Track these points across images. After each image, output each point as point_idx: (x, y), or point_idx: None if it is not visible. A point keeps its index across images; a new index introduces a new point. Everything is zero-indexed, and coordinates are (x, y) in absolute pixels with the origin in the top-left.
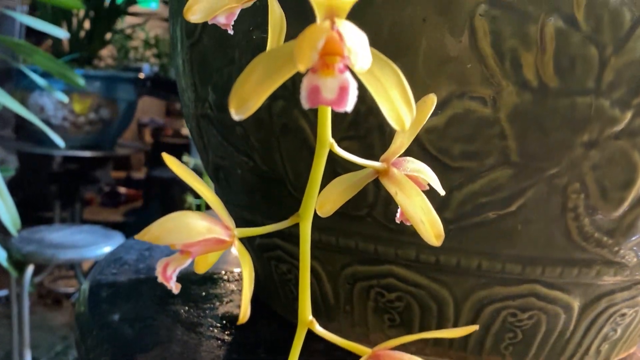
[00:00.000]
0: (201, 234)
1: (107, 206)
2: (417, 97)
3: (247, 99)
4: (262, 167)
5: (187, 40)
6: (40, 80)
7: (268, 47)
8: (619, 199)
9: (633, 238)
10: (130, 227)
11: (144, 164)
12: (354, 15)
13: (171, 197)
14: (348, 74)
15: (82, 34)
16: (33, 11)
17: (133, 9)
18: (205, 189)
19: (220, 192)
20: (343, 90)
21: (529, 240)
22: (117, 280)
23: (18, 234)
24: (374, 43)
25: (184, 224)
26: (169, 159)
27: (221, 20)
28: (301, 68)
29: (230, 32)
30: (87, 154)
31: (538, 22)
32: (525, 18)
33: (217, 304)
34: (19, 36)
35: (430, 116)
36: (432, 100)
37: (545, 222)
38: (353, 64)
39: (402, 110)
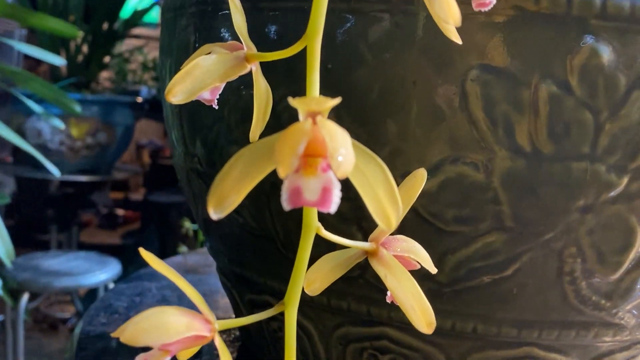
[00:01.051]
0: (179, 333)
1: (104, 228)
2: (408, 159)
3: (226, 196)
4: (252, 224)
5: None
6: (36, 107)
7: (253, 122)
8: (616, 263)
9: (631, 300)
10: (128, 251)
11: (142, 184)
12: (344, 75)
13: (169, 220)
14: (331, 173)
15: (80, 57)
16: (32, 34)
17: (131, 32)
18: (184, 285)
19: (210, 244)
20: (326, 192)
21: (525, 304)
22: (106, 332)
23: (13, 261)
24: (363, 103)
25: (161, 323)
26: (147, 256)
27: (205, 96)
28: (282, 174)
29: (215, 107)
30: (84, 178)
31: (531, 87)
32: (517, 83)
33: None
34: (17, 58)
35: None
36: (422, 175)
37: (541, 285)
38: (335, 171)
39: (389, 208)
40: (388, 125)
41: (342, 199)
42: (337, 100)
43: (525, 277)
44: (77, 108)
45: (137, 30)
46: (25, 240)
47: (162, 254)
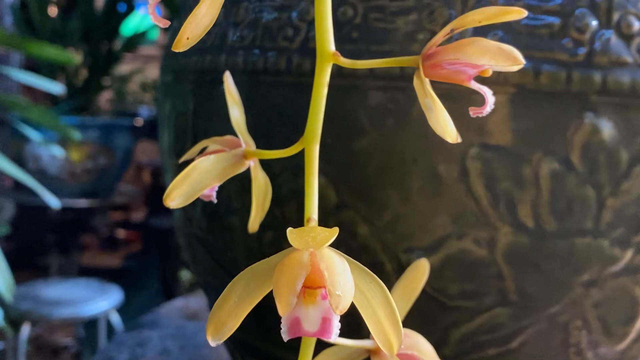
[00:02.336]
0: None
1: (105, 250)
2: (411, 235)
3: (224, 322)
4: None
5: (175, 160)
6: (35, 135)
7: (252, 213)
8: (622, 334)
9: None
10: (129, 275)
11: (143, 203)
12: (343, 148)
13: (170, 245)
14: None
15: (79, 80)
16: (30, 56)
17: (130, 54)
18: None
19: (210, 304)
20: (326, 321)
21: None
22: None
23: (14, 290)
24: (362, 178)
25: None
26: None
27: (205, 192)
28: (281, 312)
29: (214, 201)
30: (84, 203)
31: (532, 164)
32: (518, 160)
33: None
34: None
35: (426, 256)
36: (424, 267)
37: (547, 357)
38: (333, 308)
39: (390, 333)
40: (387, 201)
41: None
42: (334, 235)
43: (531, 349)
44: (77, 135)
45: (134, 53)
46: (26, 264)
47: (163, 277)
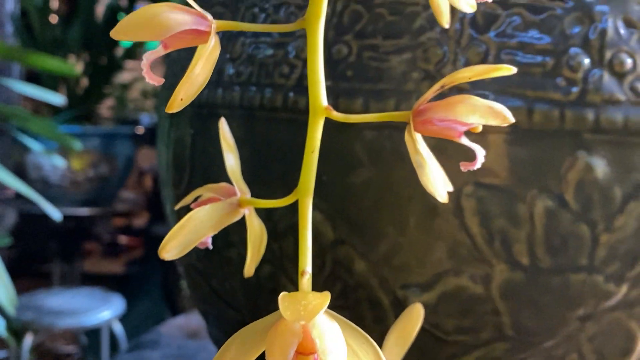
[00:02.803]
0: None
1: (107, 257)
2: (408, 271)
3: None
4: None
5: (173, 191)
6: (36, 146)
7: (248, 258)
8: None
9: None
10: (132, 281)
11: (145, 209)
12: (340, 179)
13: None
14: None
15: (80, 89)
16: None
17: (131, 63)
18: None
19: (209, 330)
20: None
21: None
22: None
23: (17, 299)
24: (360, 210)
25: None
26: None
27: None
28: None
29: (210, 247)
30: (86, 211)
31: (526, 202)
32: (513, 198)
33: None
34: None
35: (422, 293)
36: (418, 311)
37: None
38: None
39: None
40: (384, 237)
41: (342, 307)
42: (326, 303)
43: None
44: (77, 145)
45: (134, 63)
46: (28, 271)
47: (165, 285)
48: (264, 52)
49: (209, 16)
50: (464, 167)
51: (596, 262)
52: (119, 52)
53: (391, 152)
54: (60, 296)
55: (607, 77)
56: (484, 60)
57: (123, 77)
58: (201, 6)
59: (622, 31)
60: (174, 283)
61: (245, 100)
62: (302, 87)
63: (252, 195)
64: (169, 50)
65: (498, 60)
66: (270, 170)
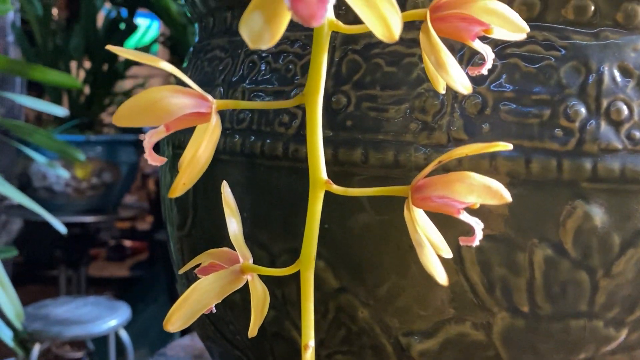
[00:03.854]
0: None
1: (112, 260)
2: (410, 319)
3: None
4: None
5: (177, 232)
6: (40, 158)
7: (252, 319)
8: None
9: None
10: (137, 284)
11: (149, 212)
12: (341, 226)
13: None
14: None
15: (82, 98)
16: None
17: (132, 71)
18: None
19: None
20: None
21: None
22: None
23: (23, 310)
24: (362, 258)
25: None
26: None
27: None
28: None
29: (213, 311)
30: (90, 218)
31: (526, 251)
32: (512, 247)
33: None
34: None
35: (424, 339)
36: None
37: None
38: None
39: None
40: (386, 285)
41: (345, 352)
42: None
43: None
44: (81, 157)
45: (136, 70)
46: (34, 277)
47: (170, 289)
48: (264, 99)
49: (209, 97)
50: (463, 242)
51: (596, 308)
52: (120, 61)
53: (391, 201)
54: (67, 306)
55: (604, 126)
56: (481, 111)
57: (125, 84)
58: (200, 50)
59: (618, 79)
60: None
61: (246, 148)
62: (302, 136)
63: (254, 242)
64: (170, 132)
65: (495, 111)
66: (272, 217)
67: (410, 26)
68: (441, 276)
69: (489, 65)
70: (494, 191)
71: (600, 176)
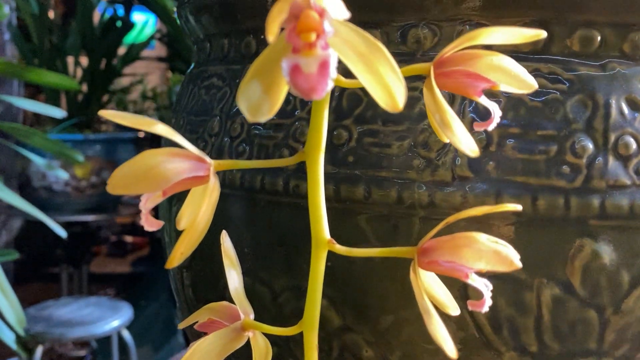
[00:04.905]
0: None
1: (114, 256)
2: (416, 356)
3: None
4: None
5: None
6: (39, 160)
7: None
8: None
9: None
10: (139, 280)
11: None
12: (344, 264)
13: None
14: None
15: (80, 97)
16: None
17: (129, 69)
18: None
19: None
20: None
21: None
22: None
23: (26, 312)
24: (365, 297)
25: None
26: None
27: None
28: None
29: None
30: (90, 218)
31: (533, 290)
32: (520, 287)
33: None
34: (18, 95)
35: None
36: None
37: None
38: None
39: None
40: (391, 324)
41: None
42: None
43: None
44: (80, 158)
45: (133, 68)
46: (36, 275)
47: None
48: (263, 132)
49: (207, 158)
50: (472, 306)
51: (605, 346)
52: (117, 58)
53: (395, 239)
54: (69, 306)
55: (611, 161)
56: (486, 147)
57: (122, 81)
58: (197, 77)
59: (626, 112)
60: None
61: (245, 182)
62: (303, 172)
63: (255, 279)
64: (167, 196)
65: (500, 148)
66: (273, 254)
67: (412, 59)
68: (450, 349)
69: (495, 121)
70: (503, 257)
71: (608, 213)
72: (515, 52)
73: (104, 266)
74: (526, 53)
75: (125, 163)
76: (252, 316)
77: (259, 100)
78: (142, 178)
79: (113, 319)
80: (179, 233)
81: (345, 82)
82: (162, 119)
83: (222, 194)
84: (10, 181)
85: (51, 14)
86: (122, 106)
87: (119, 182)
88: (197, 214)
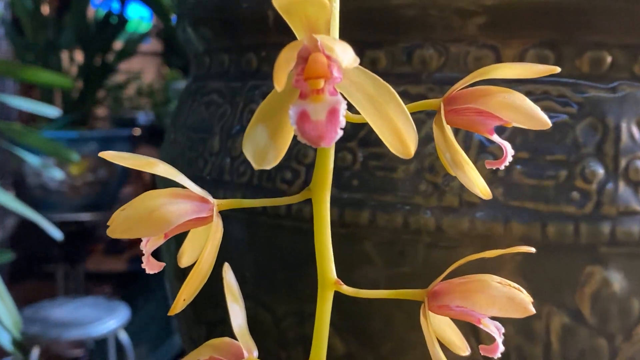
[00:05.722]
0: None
1: (110, 253)
2: None
3: None
4: None
5: (176, 282)
6: (33, 159)
7: None
8: None
9: None
10: (135, 278)
11: None
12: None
13: None
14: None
15: (75, 93)
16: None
17: (124, 65)
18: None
19: None
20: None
21: None
22: None
23: (22, 313)
24: (370, 325)
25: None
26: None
27: None
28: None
29: None
30: (86, 216)
31: (542, 318)
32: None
33: None
34: (13, 91)
35: None
36: None
37: None
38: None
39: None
40: (395, 354)
41: None
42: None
43: None
44: (75, 157)
45: (128, 65)
46: (31, 273)
47: None
48: None
49: (210, 198)
50: (484, 352)
51: None
52: (112, 54)
53: (401, 265)
54: (65, 307)
55: (622, 187)
56: (494, 173)
57: (117, 77)
58: (196, 91)
59: (637, 136)
60: None
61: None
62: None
63: (257, 302)
64: (168, 238)
65: (509, 173)
66: (275, 278)
67: (418, 80)
68: None
69: (508, 160)
70: (517, 304)
71: (619, 240)
72: None
73: (100, 264)
74: None
75: (126, 205)
76: (255, 353)
77: (265, 146)
78: (144, 222)
79: (110, 319)
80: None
81: (353, 117)
82: (159, 116)
83: (222, 214)
84: (5, 180)
85: (45, 9)
86: (118, 103)
87: (119, 226)
88: (200, 256)
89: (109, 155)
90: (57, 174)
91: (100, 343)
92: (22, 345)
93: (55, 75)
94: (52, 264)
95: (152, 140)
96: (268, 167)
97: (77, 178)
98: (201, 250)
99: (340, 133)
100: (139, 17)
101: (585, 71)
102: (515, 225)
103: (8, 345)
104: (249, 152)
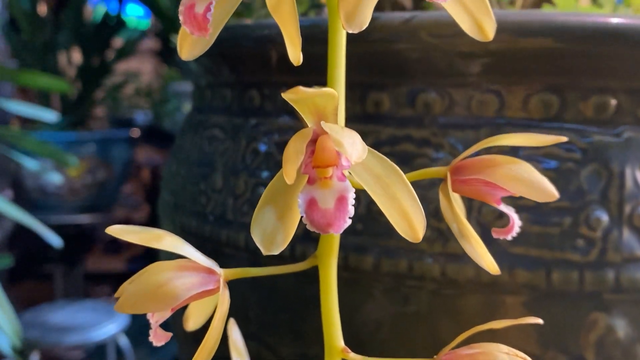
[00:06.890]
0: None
1: (109, 253)
2: None
3: None
4: None
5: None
6: (31, 164)
7: None
8: None
9: None
10: None
11: (145, 201)
12: (352, 333)
13: None
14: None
15: (74, 94)
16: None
17: (121, 66)
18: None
19: None
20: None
21: None
22: None
23: (21, 317)
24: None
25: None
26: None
27: None
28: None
29: None
30: (84, 218)
31: None
32: None
33: None
34: (10, 94)
35: None
36: None
37: None
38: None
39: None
40: None
41: None
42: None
43: None
44: (73, 160)
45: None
46: (30, 273)
47: None
48: None
49: (216, 269)
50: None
51: None
52: (110, 54)
53: (404, 306)
54: (64, 310)
55: (626, 234)
56: (497, 218)
57: (115, 78)
58: (198, 124)
59: None
60: None
61: (250, 244)
62: (309, 237)
63: (261, 343)
64: (175, 310)
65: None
66: (279, 320)
67: (420, 123)
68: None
69: (515, 230)
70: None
71: (623, 287)
72: (528, 119)
73: (99, 264)
74: (539, 120)
75: (134, 278)
76: None
77: (273, 229)
78: (151, 297)
79: (109, 323)
80: None
81: (357, 183)
82: (157, 116)
83: (225, 254)
84: (3, 182)
85: (42, 9)
86: (116, 103)
87: (127, 302)
88: (210, 328)
89: (115, 231)
90: (55, 178)
91: (100, 346)
92: (22, 350)
93: (53, 79)
94: (51, 264)
95: (151, 140)
96: (277, 252)
97: (76, 180)
98: (206, 313)
99: (349, 222)
100: (137, 17)
101: (590, 116)
102: (520, 272)
103: (7, 351)
104: (257, 237)
